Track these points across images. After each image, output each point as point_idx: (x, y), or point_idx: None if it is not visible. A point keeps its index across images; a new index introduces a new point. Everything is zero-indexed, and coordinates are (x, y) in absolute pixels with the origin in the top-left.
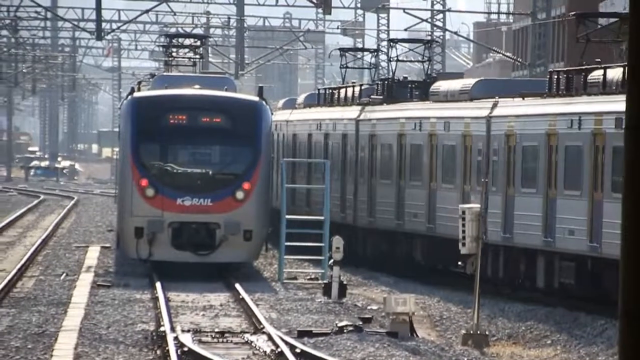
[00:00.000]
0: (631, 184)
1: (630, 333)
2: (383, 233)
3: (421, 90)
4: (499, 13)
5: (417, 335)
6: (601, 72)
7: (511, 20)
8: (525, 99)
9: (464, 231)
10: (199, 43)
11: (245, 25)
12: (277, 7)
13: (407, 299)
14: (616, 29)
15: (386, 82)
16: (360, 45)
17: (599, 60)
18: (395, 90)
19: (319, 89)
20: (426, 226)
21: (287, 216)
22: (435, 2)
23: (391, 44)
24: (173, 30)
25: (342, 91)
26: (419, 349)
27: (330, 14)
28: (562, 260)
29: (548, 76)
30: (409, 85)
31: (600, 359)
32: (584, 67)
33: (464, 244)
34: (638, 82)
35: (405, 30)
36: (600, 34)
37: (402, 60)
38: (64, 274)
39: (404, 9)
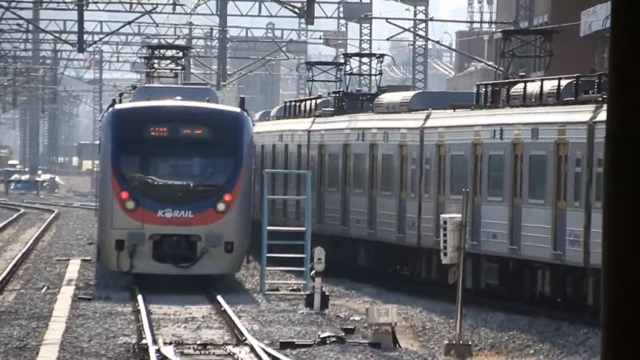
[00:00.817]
0: (611, 193)
1: (612, 343)
2: (330, 238)
3: (372, 102)
4: (481, 22)
5: (399, 346)
6: (522, 85)
7: (493, 29)
8: (456, 110)
9: (445, 241)
10: (180, 54)
11: (227, 36)
12: (260, 18)
13: (389, 310)
14: (540, 45)
15: (337, 94)
16: (342, 56)
17: (523, 73)
18: (347, 103)
19: (285, 102)
20: (367, 231)
21: (269, 227)
22: (417, 12)
23: (346, 58)
24: (155, 41)
25: (303, 104)
26: None
27: (312, 24)
28: (487, 262)
29: (476, 89)
30: (360, 98)
31: None
32: (507, 81)
33: (445, 254)
34: (618, 92)
35: (388, 39)
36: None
37: (354, 74)
38: (45, 288)
39: (386, 19)
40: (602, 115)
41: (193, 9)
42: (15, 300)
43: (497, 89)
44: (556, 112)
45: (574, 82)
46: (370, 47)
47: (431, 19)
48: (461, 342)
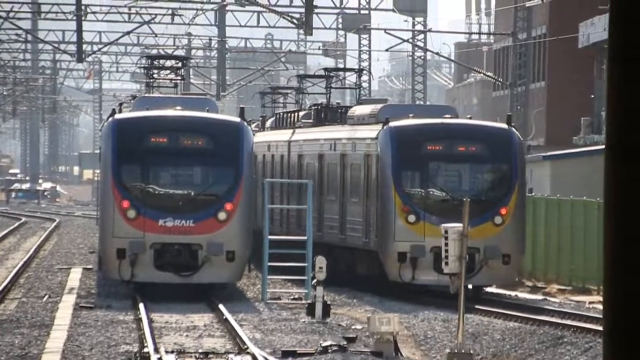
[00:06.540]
0: (611, 202)
1: (614, 352)
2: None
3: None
4: (480, 33)
5: (401, 355)
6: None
7: (492, 41)
8: (277, 130)
9: (447, 250)
10: (180, 64)
11: (226, 46)
12: (259, 29)
13: (391, 319)
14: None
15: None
16: (341, 66)
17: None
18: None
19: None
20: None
21: (270, 237)
22: (416, 23)
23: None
24: (154, 51)
25: (290, 116)
26: None
27: (311, 34)
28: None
29: (274, 116)
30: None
31: None
32: (288, 111)
33: (447, 263)
34: (615, 104)
35: (387, 50)
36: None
37: (274, 93)
38: (47, 296)
39: (385, 30)
40: (294, 137)
41: (192, 19)
42: (17, 309)
43: (289, 115)
44: (284, 134)
45: (296, 113)
46: (370, 58)
47: (429, 30)
48: (463, 351)
